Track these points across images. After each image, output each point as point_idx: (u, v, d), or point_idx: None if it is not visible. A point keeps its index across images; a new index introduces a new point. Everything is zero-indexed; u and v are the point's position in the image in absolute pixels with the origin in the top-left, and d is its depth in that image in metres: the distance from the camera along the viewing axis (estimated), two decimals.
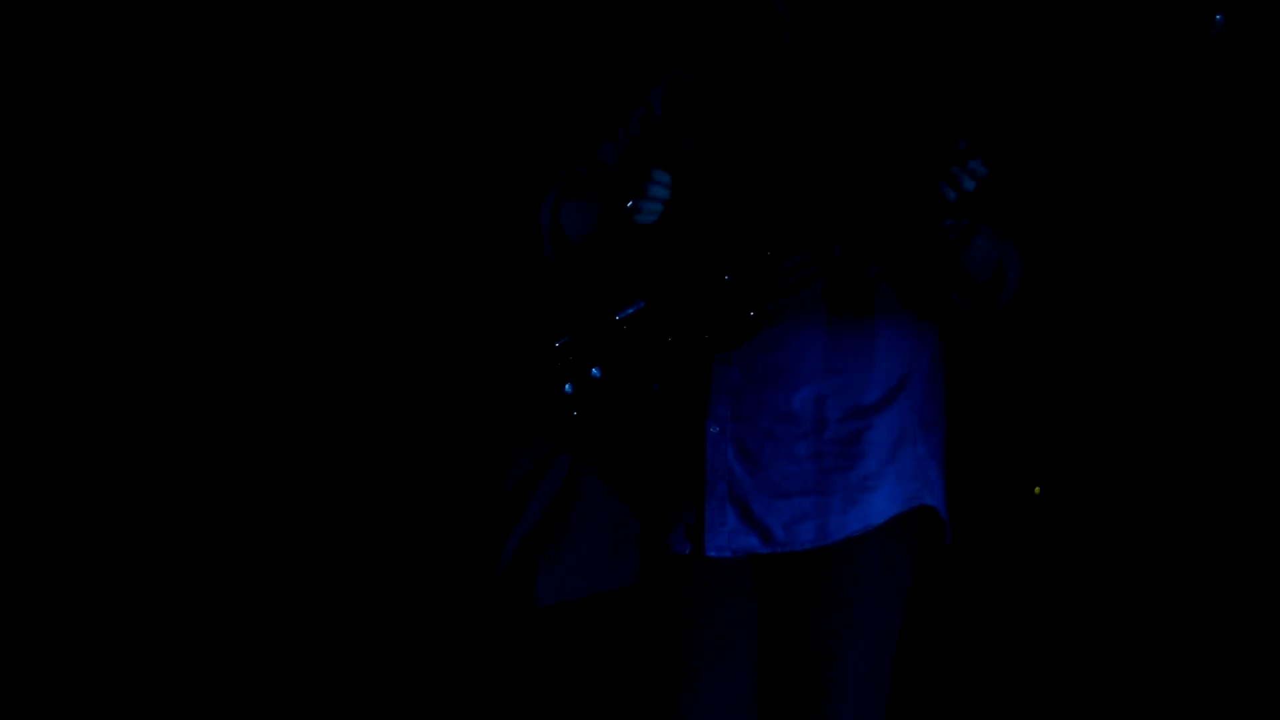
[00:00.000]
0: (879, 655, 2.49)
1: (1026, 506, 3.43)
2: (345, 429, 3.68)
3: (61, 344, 3.66)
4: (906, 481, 2.49)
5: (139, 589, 3.66)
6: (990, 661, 3.44)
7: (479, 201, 3.64)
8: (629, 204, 2.38)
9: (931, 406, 2.53)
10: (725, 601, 2.52)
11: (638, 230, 2.40)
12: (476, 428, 3.51)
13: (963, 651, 3.45)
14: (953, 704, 3.42)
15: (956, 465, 2.57)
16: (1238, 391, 3.33)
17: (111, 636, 3.65)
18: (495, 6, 3.59)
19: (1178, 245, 3.34)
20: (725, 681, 2.50)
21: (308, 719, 3.62)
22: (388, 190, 3.69)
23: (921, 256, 2.40)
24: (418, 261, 3.68)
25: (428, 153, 3.68)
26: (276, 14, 3.63)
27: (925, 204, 2.29)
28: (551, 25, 3.55)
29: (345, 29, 3.65)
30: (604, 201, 2.44)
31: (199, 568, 3.68)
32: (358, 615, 3.68)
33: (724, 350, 2.43)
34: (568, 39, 3.54)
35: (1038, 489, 3.42)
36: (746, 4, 2.53)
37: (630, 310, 2.43)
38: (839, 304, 2.43)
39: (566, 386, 2.44)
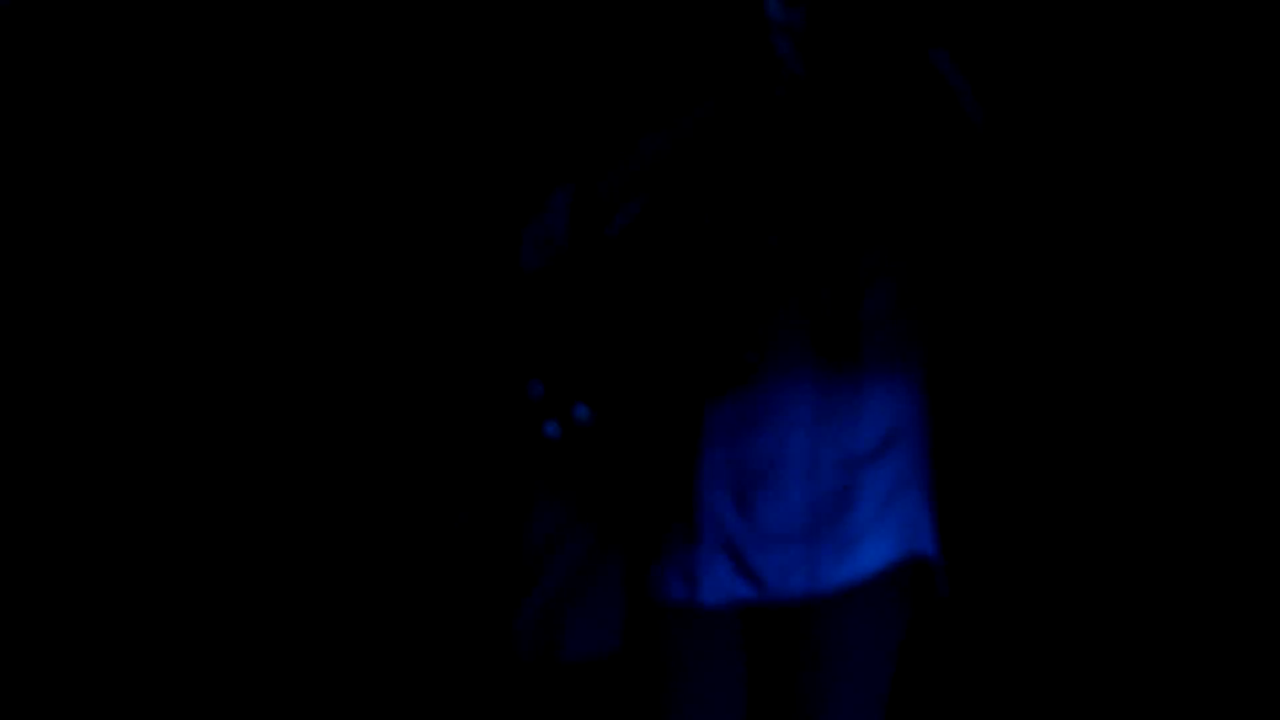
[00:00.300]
0: (869, 708, 2.46)
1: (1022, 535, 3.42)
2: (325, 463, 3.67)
3: (53, 343, 3.66)
4: (899, 531, 2.47)
5: (128, 589, 3.66)
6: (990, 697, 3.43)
7: (464, 216, 3.63)
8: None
9: (923, 458, 2.52)
10: (714, 652, 2.49)
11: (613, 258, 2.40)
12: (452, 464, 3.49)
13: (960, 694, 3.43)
14: None
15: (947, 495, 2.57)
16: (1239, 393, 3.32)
17: (107, 636, 3.64)
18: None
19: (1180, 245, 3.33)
20: None
21: None
22: (380, 205, 3.69)
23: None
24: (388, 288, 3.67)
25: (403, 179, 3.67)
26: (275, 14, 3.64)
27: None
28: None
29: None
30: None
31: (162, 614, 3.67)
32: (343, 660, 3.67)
33: (716, 394, 2.41)
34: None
35: None
36: (735, 48, 2.50)
37: (619, 343, 2.42)
38: (828, 350, 2.42)
39: (549, 428, 2.40)
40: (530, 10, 3.55)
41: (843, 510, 2.43)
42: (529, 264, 2.51)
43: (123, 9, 3.60)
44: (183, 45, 3.63)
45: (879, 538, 2.45)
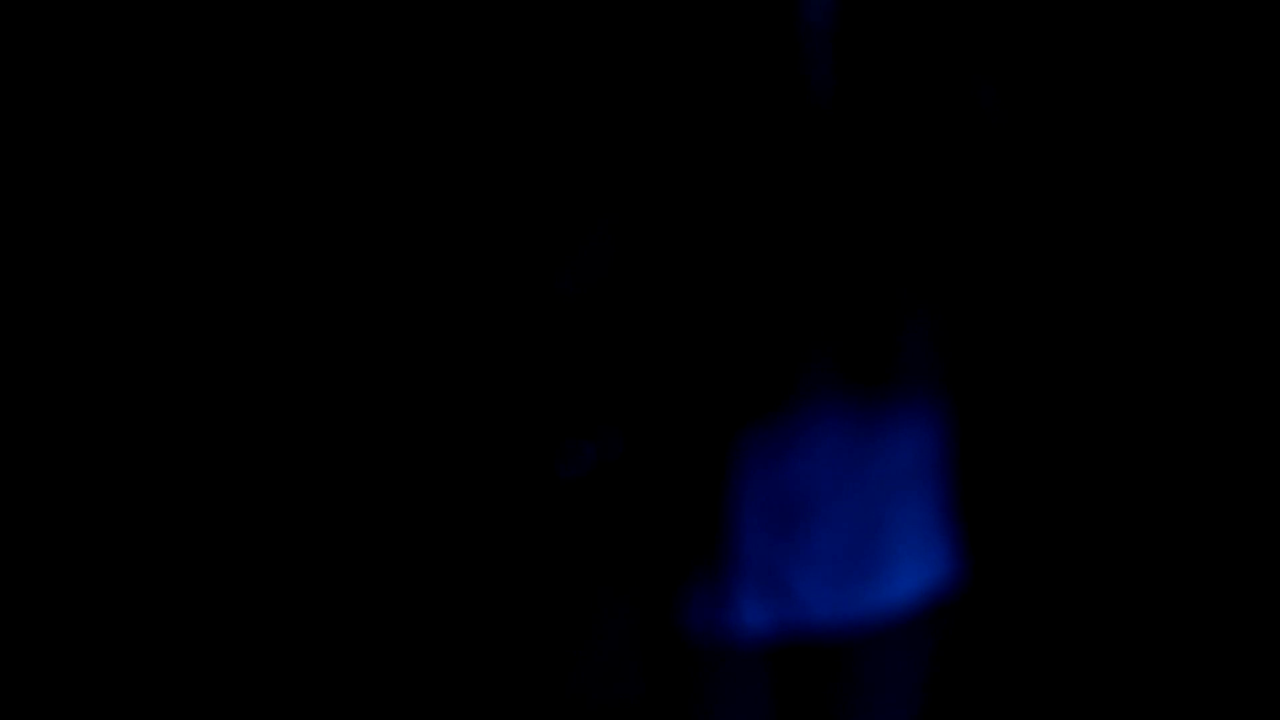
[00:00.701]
0: None
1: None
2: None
3: (54, 343, 3.66)
4: (934, 557, 2.47)
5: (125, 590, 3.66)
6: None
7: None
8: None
9: (952, 482, 2.51)
10: (743, 693, 2.48)
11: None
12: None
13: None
14: None
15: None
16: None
17: (107, 636, 3.65)
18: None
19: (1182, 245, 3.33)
20: None
21: None
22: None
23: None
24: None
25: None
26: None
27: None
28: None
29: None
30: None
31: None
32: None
33: (749, 425, 2.39)
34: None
35: None
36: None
37: (653, 372, 2.40)
38: (862, 377, 2.40)
39: (574, 461, 2.39)
40: (561, 22, 3.55)
41: (880, 536, 2.43)
42: (565, 287, 2.50)
43: (123, 9, 3.61)
44: (188, 44, 3.64)
45: (915, 563, 2.45)
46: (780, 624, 2.44)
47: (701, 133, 2.42)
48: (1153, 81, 3.12)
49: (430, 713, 3.59)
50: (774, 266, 2.39)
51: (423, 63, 3.60)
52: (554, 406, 2.44)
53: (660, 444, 2.39)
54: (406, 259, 3.59)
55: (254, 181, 3.64)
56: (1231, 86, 3.06)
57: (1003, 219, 2.28)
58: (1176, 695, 3.32)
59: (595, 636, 2.44)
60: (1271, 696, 3.26)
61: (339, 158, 3.64)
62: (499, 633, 2.48)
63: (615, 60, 2.75)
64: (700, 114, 2.40)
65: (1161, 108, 3.24)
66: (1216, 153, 3.20)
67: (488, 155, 3.59)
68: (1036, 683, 3.39)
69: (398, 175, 3.62)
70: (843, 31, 2.33)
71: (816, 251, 2.39)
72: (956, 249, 2.32)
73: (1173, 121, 3.25)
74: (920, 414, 2.45)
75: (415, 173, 3.61)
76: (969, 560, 2.50)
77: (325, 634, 3.62)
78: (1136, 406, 3.34)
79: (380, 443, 3.54)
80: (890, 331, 2.40)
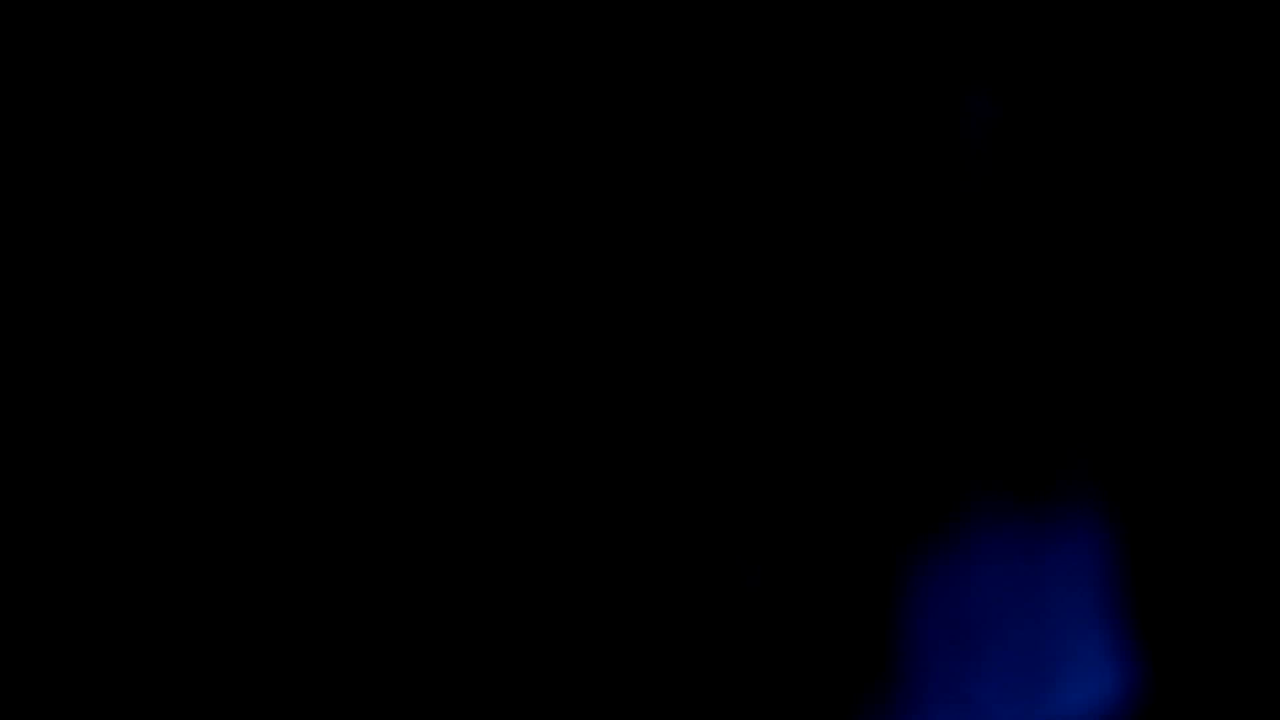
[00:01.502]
0: None
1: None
2: None
3: (52, 343, 3.66)
4: (1108, 662, 2.48)
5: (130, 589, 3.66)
6: None
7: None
8: None
9: (1121, 590, 2.52)
10: None
11: None
12: None
13: None
14: None
15: None
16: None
17: (108, 636, 3.64)
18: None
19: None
20: None
21: None
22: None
23: None
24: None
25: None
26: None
27: None
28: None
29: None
30: None
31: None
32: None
33: (915, 548, 2.41)
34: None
35: None
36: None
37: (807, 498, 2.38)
38: (1026, 489, 2.41)
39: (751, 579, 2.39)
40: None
41: (1058, 648, 2.45)
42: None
43: (123, 8, 3.61)
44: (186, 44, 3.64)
45: (1093, 669, 2.46)
46: None
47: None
48: None
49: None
50: (931, 369, 2.38)
51: None
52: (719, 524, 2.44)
53: (818, 573, 2.41)
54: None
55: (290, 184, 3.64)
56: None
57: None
58: None
59: None
60: None
61: None
62: None
63: None
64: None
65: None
66: None
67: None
68: None
69: None
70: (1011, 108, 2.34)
71: (974, 351, 2.37)
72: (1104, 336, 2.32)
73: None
74: (1086, 522, 2.46)
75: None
76: (1148, 666, 2.52)
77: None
78: None
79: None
80: (1056, 441, 2.41)
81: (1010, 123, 2.37)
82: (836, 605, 2.44)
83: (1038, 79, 2.33)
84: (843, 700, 2.50)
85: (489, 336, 3.22)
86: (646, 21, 3.18)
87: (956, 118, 2.37)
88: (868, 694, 2.47)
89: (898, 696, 2.48)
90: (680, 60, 3.05)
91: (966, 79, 2.32)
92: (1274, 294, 2.32)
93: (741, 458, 2.52)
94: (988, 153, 2.39)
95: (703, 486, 3.13)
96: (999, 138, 2.39)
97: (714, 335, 2.59)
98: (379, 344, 3.62)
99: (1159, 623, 2.67)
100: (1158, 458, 3.01)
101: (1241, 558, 3.34)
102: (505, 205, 3.37)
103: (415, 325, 3.59)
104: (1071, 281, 2.38)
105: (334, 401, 3.67)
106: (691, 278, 3.12)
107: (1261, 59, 2.30)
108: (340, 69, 3.47)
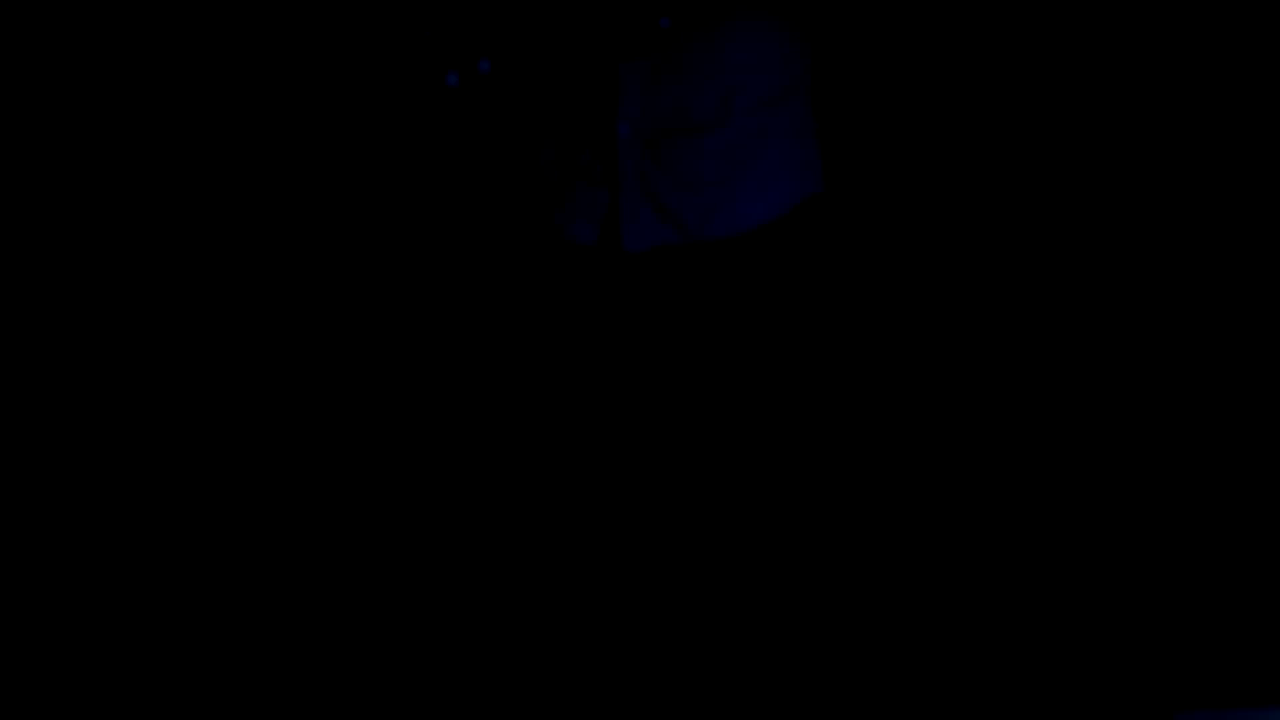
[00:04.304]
0: None
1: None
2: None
3: (53, 342, 3.66)
4: (803, 171, 2.67)
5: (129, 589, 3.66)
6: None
7: None
8: None
9: (807, 103, 2.71)
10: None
11: None
12: None
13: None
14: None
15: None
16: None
17: (108, 636, 3.64)
18: None
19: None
20: None
21: None
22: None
23: None
24: None
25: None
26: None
27: None
28: None
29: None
30: None
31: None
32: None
33: (631, 54, 2.57)
34: None
35: None
36: None
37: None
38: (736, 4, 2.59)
39: (450, 77, 2.49)
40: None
41: (756, 153, 2.62)
42: None
43: (123, 8, 3.60)
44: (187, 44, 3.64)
45: (788, 178, 2.64)
46: (668, 238, 2.64)
47: None
48: None
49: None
50: None
51: None
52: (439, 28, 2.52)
53: (538, 69, 2.58)
54: None
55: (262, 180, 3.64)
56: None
57: None
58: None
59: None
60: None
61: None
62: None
63: None
64: None
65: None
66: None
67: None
68: None
69: None
70: None
71: None
72: None
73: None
74: (793, 36, 2.62)
75: None
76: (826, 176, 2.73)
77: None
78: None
79: None
80: None
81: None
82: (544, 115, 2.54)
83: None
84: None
85: (489, 337, 3.22)
86: None
87: None
88: (573, 211, 2.61)
89: (601, 216, 2.63)
90: None
91: None
92: None
93: None
94: None
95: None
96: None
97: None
98: (379, 344, 3.60)
99: (839, 133, 2.84)
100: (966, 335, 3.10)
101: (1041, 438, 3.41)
102: (504, 205, 3.36)
103: (416, 325, 3.57)
104: None
105: (334, 401, 3.64)
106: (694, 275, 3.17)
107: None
108: (340, 69, 3.44)
